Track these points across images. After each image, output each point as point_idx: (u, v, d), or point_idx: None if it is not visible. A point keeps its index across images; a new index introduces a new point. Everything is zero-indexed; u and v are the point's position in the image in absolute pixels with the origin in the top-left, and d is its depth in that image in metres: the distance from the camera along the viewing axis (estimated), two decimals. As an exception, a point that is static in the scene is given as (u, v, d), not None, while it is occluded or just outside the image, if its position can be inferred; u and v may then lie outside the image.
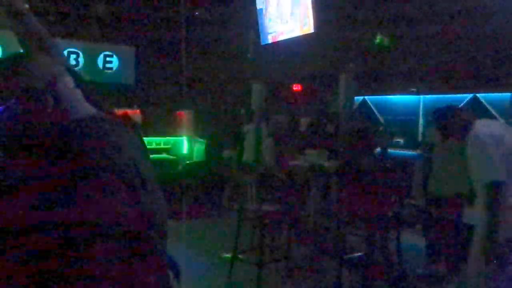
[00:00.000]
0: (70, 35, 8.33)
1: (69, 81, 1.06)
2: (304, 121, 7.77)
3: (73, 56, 8.55)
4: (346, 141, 5.74)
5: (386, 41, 5.81)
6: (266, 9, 7.56)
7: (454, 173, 4.00)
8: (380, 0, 5.89)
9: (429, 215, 4.36)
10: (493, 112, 6.40)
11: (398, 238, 4.32)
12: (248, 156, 6.36)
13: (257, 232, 4.33)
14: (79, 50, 8.67)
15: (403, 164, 6.56)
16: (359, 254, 4.43)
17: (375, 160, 5.32)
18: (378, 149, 6.77)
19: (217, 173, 7.10)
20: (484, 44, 5.60)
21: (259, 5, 7.61)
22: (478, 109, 6.53)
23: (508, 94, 6.07)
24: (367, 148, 5.46)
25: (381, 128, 7.91)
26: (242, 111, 8.19)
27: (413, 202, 5.04)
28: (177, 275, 1.25)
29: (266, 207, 4.27)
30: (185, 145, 8.67)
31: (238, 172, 6.35)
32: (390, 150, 7.05)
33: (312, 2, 6.31)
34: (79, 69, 8.17)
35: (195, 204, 6.52)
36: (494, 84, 6.00)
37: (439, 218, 4.11)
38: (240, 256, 4.26)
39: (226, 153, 7.39)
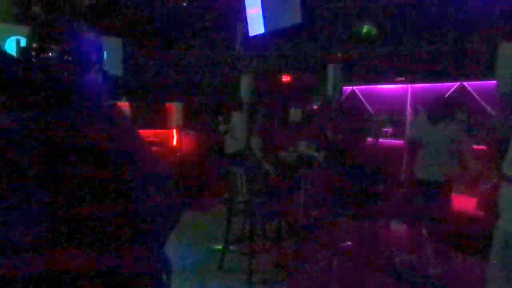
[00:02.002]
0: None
1: None
2: (293, 112, 7.80)
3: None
4: (338, 129, 5.78)
5: (373, 31, 5.83)
6: (253, 0, 7.51)
7: (444, 158, 3.99)
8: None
9: (412, 200, 4.35)
10: (479, 100, 6.48)
11: (387, 227, 4.38)
12: (235, 144, 6.41)
13: (248, 223, 4.35)
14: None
15: (392, 152, 6.63)
16: (349, 243, 4.49)
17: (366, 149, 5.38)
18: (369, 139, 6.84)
19: (208, 164, 7.10)
20: (470, 33, 5.64)
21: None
22: (465, 97, 6.60)
23: (494, 82, 6.15)
24: (359, 136, 5.51)
25: (370, 118, 7.98)
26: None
27: (401, 190, 5.07)
28: (168, 269, 1.25)
29: (256, 198, 4.30)
30: (174, 137, 8.63)
31: (225, 162, 6.37)
32: (379, 140, 7.13)
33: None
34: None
35: (185, 196, 6.51)
36: (480, 72, 6.07)
37: (426, 204, 4.12)
38: (231, 247, 4.28)
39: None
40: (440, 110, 4.14)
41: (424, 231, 4.17)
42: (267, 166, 4.80)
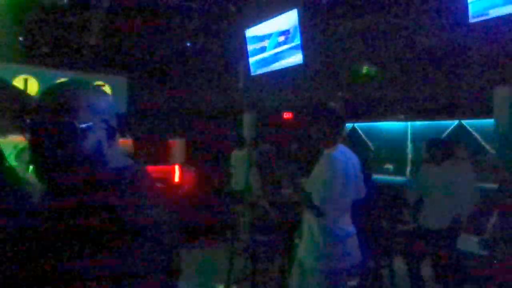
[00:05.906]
0: (62, 64, 8.42)
1: None
2: (295, 148, 7.84)
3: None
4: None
5: (372, 71, 5.98)
6: (255, 40, 7.73)
7: (452, 201, 3.89)
8: (367, 31, 6.08)
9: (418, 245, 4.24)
10: (478, 137, 6.54)
11: (390, 265, 4.35)
12: (236, 183, 6.43)
13: (250, 262, 4.33)
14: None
15: (393, 189, 6.62)
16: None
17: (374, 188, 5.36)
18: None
19: (209, 201, 7.09)
20: (468, 72, 5.76)
21: (248, 36, 7.79)
22: (463, 135, 6.65)
23: (492, 120, 6.24)
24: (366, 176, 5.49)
25: (371, 155, 8.02)
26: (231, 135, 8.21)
27: (405, 228, 5.02)
28: None
29: (258, 237, 4.29)
30: (177, 173, 8.64)
31: (226, 201, 6.38)
32: (380, 176, 7.14)
33: (301, 34, 6.50)
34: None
35: (186, 233, 6.47)
36: (478, 110, 6.15)
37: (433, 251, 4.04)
38: (233, 286, 4.25)
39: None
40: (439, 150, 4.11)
41: (426, 270, 4.12)
42: (265, 205, 4.80)
